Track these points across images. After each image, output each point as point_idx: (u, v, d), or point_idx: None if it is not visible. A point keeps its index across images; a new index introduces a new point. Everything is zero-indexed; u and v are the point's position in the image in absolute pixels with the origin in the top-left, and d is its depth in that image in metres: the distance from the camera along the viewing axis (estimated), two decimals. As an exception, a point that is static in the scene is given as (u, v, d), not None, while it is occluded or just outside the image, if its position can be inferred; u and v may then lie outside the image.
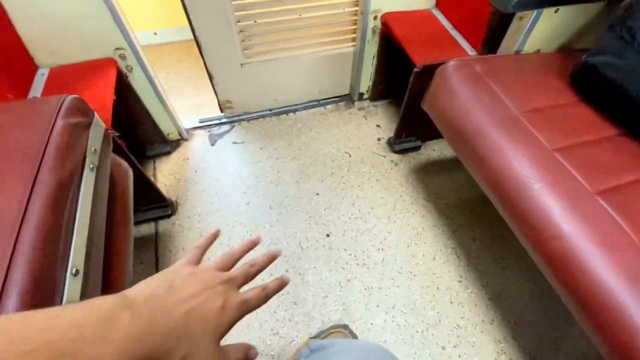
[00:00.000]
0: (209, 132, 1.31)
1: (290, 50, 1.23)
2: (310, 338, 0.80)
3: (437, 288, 0.93)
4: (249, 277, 0.33)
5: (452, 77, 0.82)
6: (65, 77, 0.82)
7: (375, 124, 1.38)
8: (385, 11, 1.16)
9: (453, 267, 0.98)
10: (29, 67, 0.81)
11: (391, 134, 1.32)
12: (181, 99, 1.44)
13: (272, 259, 0.34)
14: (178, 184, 1.14)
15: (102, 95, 0.76)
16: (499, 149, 0.68)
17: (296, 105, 1.41)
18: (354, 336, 0.80)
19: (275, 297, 0.89)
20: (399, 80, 1.37)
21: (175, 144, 1.24)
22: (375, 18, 1.17)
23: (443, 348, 0.83)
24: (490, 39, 1.02)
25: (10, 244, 0.35)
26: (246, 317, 0.93)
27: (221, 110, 1.33)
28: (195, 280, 0.28)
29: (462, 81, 0.80)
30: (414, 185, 1.17)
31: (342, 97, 1.47)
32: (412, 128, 1.22)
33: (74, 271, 0.39)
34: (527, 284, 0.94)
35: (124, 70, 0.93)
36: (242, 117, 1.35)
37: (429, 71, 0.91)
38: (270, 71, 1.25)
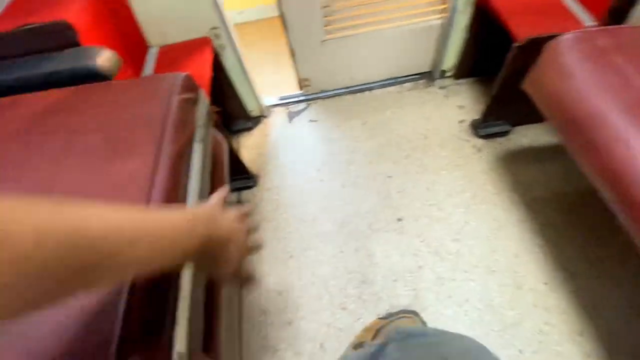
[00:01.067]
0: (287, 109, 1.35)
1: (372, 24, 1.18)
2: (379, 318, 0.81)
3: (519, 288, 0.86)
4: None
5: (566, 52, 0.71)
6: (171, 55, 0.92)
7: (457, 105, 1.28)
8: (483, -22, 1.04)
9: (539, 267, 0.89)
10: (143, 46, 0.92)
11: (475, 116, 1.21)
12: (262, 77, 1.49)
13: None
14: (259, 158, 1.21)
15: (202, 73, 0.83)
16: (624, 138, 0.58)
17: (372, 83, 1.37)
18: (424, 324, 0.79)
19: (345, 274, 0.91)
20: (492, 56, 1.23)
21: (256, 120, 1.31)
22: (470, -13, 1.05)
23: (520, 351, 0.78)
24: (619, 5, 0.84)
25: (144, 203, 0.41)
26: (316, 289, 0.97)
27: (300, 88, 1.36)
28: (232, 216, 0.41)
29: (580, 57, 0.68)
30: (498, 174, 1.07)
31: (421, 75, 1.38)
32: (503, 110, 1.10)
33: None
34: (630, 295, 0.81)
35: (217, 49, 1.00)
36: (318, 95, 1.36)
37: (535, 46, 0.80)
38: (349, 48, 1.23)
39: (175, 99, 0.53)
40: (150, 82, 0.57)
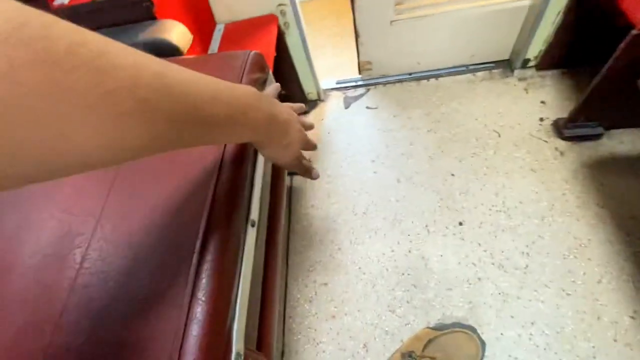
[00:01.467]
0: (344, 94, 1.29)
1: (450, 3, 1.06)
2: (429, 328, 0.76)
3: (598, 318, 0.75)
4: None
5: None
6: (237, 32, 0.90)
7: (539, 100, 1.12)
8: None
9: (626, 298, 0.76)
10: (211, 23, 0.90)
11: (560, 114, 1.06)
12: (320, 59, 1.44)
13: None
14: (312, 144, 1.18)
15: (266, 51, 0.80)
16: None
17: (441, 70, 1.25)
18: (482, 342, 0.72)
19: (394, 274, 0.86)
20: (589, 45, 1.06)
21: (313, 103, 1.27)
22: (578, -40, 0.89)
23: (594, 390, 0.68)
24: None
25: (213, 182, 0.39)
26: (363, 286, 0.92)
27: (359, 72, 1.28)
28: (290, 108, 0.45)
29: None
30: (584, 184, 0.93)
31: (498, 64, 1.23)
32: (599, 109, 0.94)
33: (252, 222, 0.42)
34: None
35: (282, 27, 0.96)
36: (379, 81, 1.28)
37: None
38: (420, 30, 1.12)
39: (246, 78, 0.50)
40: (222, 59, 0.55)
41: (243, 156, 0.43)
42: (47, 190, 0.41)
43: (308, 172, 0.50)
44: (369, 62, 1.24)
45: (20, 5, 0.16)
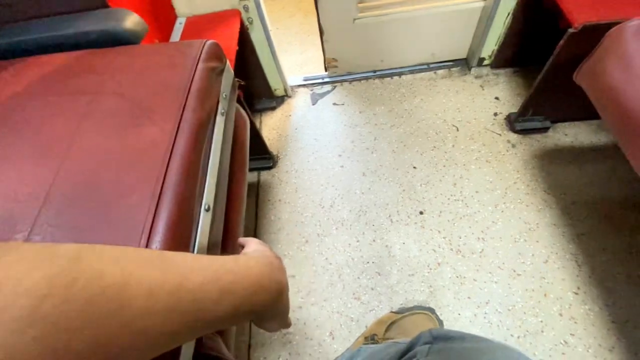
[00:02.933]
0: (312, 90, 1.31)
1: (409, 3, 1.10)
2: (392, 312, 0.79)
3: (545, 295, 0.81)
4: None
5: (631, 41, 0.63)
6: (198, 26, 0.89)
7: (493, 96, 1.20)
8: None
9: (570, 276, 0.83)
10: (171, 16, 0.89)
11: (512, 109, 1.13)
12: (287, 55, 1.45)
13: None
14: (279, 139, 1.19)
15: (228, 45, 0.80)
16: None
17: (403, 68, 1.30)
18: (440, 322, 0.76)
19: (359, 263, 0.88)
20: (537, 44, 1.14)
21: (280, 99, 1.28)
22: (522, -36, 0.96)
23: (541, 361, 0.73)
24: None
25: (162, 171, 0.39)
26: (329, 276, 0.94)
27: (325, 69, 1.31)
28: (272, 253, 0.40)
29: (648, 48, 0.61)
30: (533, 173, 1.00)
31: (456, 62, 1.30)
32: (545, 104, 1.02)
33: (206, 207, 0.43)
34: (675, 317, 0.75)
35: (246, 22, 0.96)
36: (344, 78, 1.31)
37: (592, 33, 0.72)
38: (382, 28, 1.16)
39: (201, 67, 0.50)
40: (176, 47, 0.55)
41: (197, 141, 0.44)
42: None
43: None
44: (335, 60, 1.27)
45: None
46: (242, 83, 0.63)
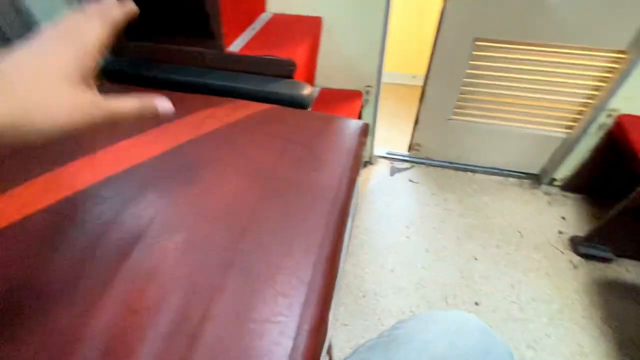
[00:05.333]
0: (392, 164, 1.49)
1: (498, 118, 1.28)
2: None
3: None
4: None
5: None
6: (329, 97, 1.12)
7: (560, 215, 1.28)
8: (624, 112, 1.09)
9: (620, 414, 0.83)
10: (312, 84, 1.15)
11: (577, 232, 1.20)
12: (376, 130, 1.67)
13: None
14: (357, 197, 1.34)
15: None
16: None
17: (478, 167, 1.45)
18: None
19: None
20: (610, 180, 1.24)
21: (364, 164, 1.46)
22: (608, 116, 1.11)
23: None
24: None
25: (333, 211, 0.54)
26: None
27: (408, 149, 1.49)
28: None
29: None
30: (592, 299, 1.03)
31: (528, 175, 1.42)
32: (612, 238, 1.09)
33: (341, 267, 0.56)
34: None
35: (363, 102, 1.19)
36: (423, 161, 1.48)
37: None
38: (469, 131, 1.34)
39: (359, 140, 0.68)
40: (342, 120, 0.74)
41: (350, 190, 0.59)
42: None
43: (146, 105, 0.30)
44: (419, 144, 1.45)
45: None
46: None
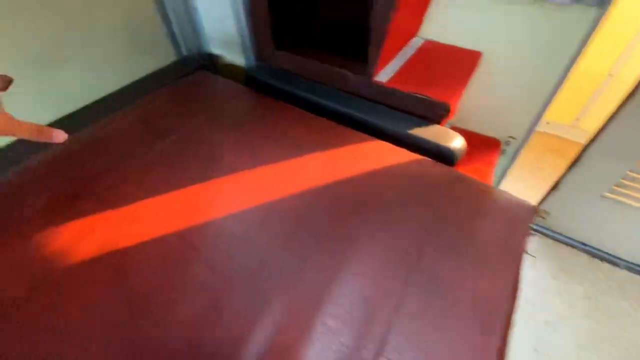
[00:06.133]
0: (506, 225, 1.27)
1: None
2: None
3: None
4: None
5: None
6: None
7: None
8: None
9: None
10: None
11: None
12: (508, 180, 1.41)
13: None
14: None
15: (484, 173, 0.85)
16: None
17: (622, 260, 1.15)
18: None
19: None
20: None
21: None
22: None
23: None
24: None
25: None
26: None
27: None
28: None
29: None
30: None
31: (695, 291, 1.07)
32: None
33: None
34: None
35: (500, 152, 1.01)
36: (547, 232, 1.23)
37: None
38: (624, 216, 1.06)
39: (526, 231, 0.54)
40: (504, 197, 0.60)
41: (514, 303, 0.47)
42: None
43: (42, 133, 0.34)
44: (547, 212, 1.21)
45: None
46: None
